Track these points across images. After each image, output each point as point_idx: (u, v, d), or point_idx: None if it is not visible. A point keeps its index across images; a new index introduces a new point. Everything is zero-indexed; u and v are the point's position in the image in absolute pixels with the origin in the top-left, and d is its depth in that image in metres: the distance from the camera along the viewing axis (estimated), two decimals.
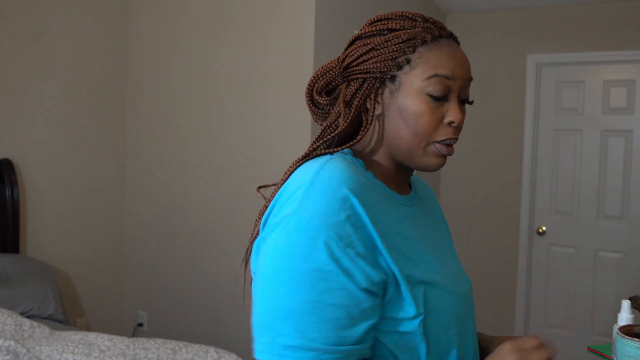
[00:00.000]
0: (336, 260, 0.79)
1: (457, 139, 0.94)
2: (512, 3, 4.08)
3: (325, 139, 0.93)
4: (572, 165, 4.11)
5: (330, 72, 0.98)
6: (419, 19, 0.93)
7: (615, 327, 1.14)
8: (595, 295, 4.05)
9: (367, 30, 0.95)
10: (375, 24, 0.95)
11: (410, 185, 1.05)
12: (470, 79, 0.95)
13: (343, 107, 0.94)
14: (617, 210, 4.00)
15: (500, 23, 4.24)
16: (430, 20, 0.94)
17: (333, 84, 0.98)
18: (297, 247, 0.80)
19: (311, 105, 1.01)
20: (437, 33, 0.92)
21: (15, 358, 2.05)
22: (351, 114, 0.93)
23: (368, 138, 0.97)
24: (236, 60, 3.20)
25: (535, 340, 0.87)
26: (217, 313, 3.27)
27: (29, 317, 2.56)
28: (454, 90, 0.92)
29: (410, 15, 0.94)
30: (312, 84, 0.99)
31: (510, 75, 4.21)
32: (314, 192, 0.83)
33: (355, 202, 0.83)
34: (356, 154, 0.97)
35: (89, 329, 3.28)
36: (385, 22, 0.94)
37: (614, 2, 3.92)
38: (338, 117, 0.95)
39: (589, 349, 1.46)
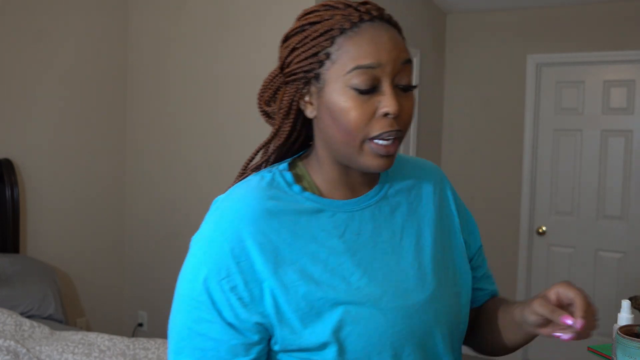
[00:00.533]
0: (209, 293, 0.81)
1: (400, 130, 0.83)
2: (512, 3, 4.07)
3: (256, 150, 0.92)
4: (572, 165, 4.10)
5: (276, 79, 0.90)
6: (341, 6, 0.84)
7: (615, 327, 1.14)
8: (595, 295, 4.05)
9: (292, 28, 0.87)
10: (300, 19, 0.87)
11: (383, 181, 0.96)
12: (407, 60, 0.84)
13: (277, 114, 0.89)
14: (617, 210, 3.99)
15: (500, 23, 4.24)
16: (354, 5, 0.84)
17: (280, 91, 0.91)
18: (184, 274, 0.85)
19: (265, 117, 0.94)
20: (358, 19, 0.82)
21: (15, 358, 2.05)
22: (278, 121, 0.88)
23: (316, 142, 0.90)
24: (236, 60, 3.20)
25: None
26: None
27: (29, 317, 2.56)
28: (383, 79, 0.81)
29: (332, 4, 0.85)
30: (260, 96, 0.93)
31: (510, 75, 4.21)
32: (209, 222, 0.86)
33: (244, 234, 0.81)
34: (306, 159, 0.93)
35: (89, 329, 3.28)
36: (308, 16, 0.86)
37: (614, 2, 3.91)
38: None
39: (589, 349, 1.46)
